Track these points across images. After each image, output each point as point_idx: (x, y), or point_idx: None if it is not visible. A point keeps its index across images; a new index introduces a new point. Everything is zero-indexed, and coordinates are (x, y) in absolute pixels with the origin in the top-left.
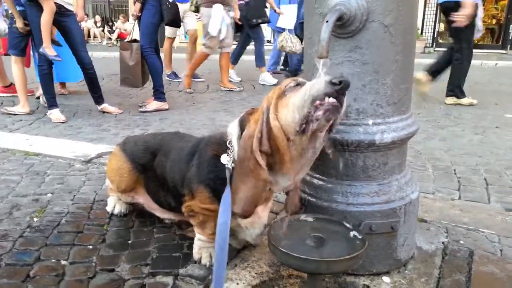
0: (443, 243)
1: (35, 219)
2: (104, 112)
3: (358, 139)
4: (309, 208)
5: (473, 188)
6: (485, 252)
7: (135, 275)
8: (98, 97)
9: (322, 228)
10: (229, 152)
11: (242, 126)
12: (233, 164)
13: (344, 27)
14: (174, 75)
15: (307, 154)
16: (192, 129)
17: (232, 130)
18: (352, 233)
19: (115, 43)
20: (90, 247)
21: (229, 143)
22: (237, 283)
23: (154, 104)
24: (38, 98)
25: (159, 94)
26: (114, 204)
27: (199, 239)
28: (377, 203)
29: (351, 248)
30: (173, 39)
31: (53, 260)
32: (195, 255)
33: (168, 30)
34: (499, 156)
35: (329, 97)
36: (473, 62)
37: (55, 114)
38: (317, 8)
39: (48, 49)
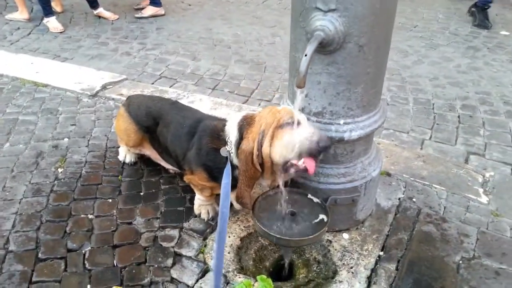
0: (399, 199)
1: (60, 170)
2: (100, 17)
3: (330, 136)
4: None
5: (445, 127)
6: (431, 210)
7: (149, 228)
8: (93, 2)
9: (296, 201)
10: (228, 145)
11: (241, 132)
12: (231, 152)
13: (323, 47)
14: None
15: (283, 176)
16: (189, 44)
17: (232, 132)
18: (319, 209)
19: None
20: (110, 200)
21: (228, 140)
22: (229, 236)
23: (150, 10)
24: None
25: None
26: (125, 154)
27: (199, 198)
28: (342, 182)
29: (317, 225)
30: None
31: (82, 215)
32: (196, 210)
33: None
34: (480, 88)
35: (311, 155)
36: None
37: (52, 23)
38: (301, 22)
39: None
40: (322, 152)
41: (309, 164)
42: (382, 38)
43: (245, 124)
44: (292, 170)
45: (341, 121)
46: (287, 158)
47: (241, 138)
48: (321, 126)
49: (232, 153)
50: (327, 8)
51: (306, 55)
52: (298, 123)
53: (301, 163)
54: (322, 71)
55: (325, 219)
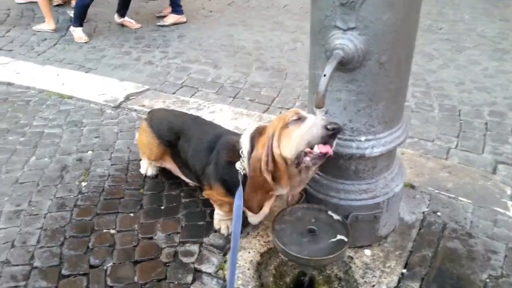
0: (423, 213)
1: (83, 184)
2: (123, 26)
3: (351, 153)
4: (308, 197)
5: (472, 135)
6: (456, 225)
7: (169, 243)
8: (125, 12)
9: (316, 218)
10: (241, 160)
11: (252, 143)
12: (244, 171)
13: (342, 65)
14: None
15: (302, 177)
16: (210, 51)
17: (244, 144)
18: (339, 227)
19: None
20: (132, 214)
21: (241, 153)
22: (249, 252)
23: (171, 18)
24: (57, 5)
25: (176, 7)
26: (147, 167)
27: (218, 213)
28: (364, 199)
29: (337, 243)
30: None
31: (104, 230)
32: (216, 225)
33: None
34: (508, 92)
35: (322, 142)
36: None
37: (78, 33)
38: (320, 40)
39: None
40: (334, 135)
41: (323, 148)
42: (403, 54)
43: (257, 134)
44: (307, 160)
45: (362, 138)
46: (299, 150)
47: (252, 148)
48: (342, 143)
49: (245, 165)
50: (346, 26)
51: (325, 75)
52: (304, 118)
53: (315, 149)
54: (342, 88)
55: (346, 239)
